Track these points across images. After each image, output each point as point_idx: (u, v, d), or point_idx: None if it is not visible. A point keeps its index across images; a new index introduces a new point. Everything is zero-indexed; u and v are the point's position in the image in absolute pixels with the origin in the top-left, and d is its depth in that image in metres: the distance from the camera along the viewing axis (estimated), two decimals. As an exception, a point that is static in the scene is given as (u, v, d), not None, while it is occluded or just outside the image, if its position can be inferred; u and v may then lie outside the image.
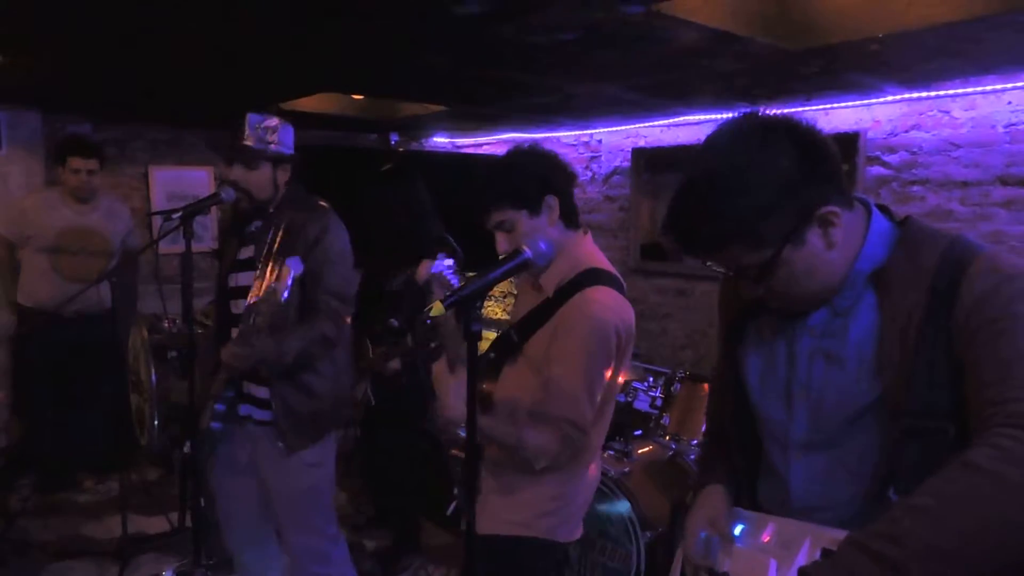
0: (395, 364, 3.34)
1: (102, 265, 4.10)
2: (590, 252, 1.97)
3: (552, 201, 1.91)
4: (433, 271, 1.90)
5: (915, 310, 1.12)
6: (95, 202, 4.15)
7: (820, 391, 1.23)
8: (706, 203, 1.13)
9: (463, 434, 1.70)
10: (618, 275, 1.96)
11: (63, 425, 4.17)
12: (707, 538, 1.33)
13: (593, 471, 2.07)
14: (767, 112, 1.18)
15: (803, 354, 1.25)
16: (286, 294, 2.17)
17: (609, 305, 1.85)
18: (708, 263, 1.22)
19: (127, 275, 4.27)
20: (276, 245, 2.40)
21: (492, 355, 2.06)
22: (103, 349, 3.94)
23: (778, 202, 1.11)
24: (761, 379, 1.34)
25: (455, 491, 2.25)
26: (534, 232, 1.87)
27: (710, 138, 1.19)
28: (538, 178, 1.91)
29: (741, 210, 1.11)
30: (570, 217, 1.96)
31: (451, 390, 1.81)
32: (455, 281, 1.88)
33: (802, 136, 1.14)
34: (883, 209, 1.25)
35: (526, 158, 1.95)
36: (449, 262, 1.91)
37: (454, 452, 2.35)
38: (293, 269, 2.18)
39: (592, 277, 1.89)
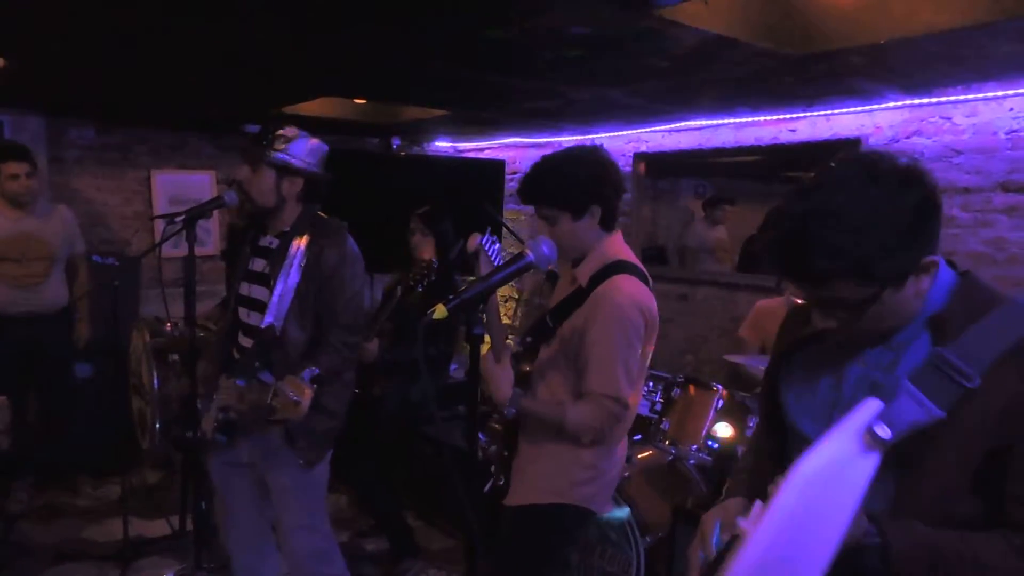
0: (373, 347, 3.32)
1: (46, 270, 4.12)
2: (619, 248, 2.16)
3: (596, 210, 2.09)
4: (480, 242, 2.11)
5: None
6: (32, 207, 4.08)
7: None
8: (829, 237, 1.12)
9: (510, 413, 2.08)
10: (643, 268, 2.16)
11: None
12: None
13: (621, 450, 2.26)
14: (893, 155, 1.18)
15: (850, 379, 1.28)
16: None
17: (632, 292, 2.05)
18: (804, 294, 1.24)
19: (72, 281, 4.28)
20: (291, 269, 2.41)
21: (529, 339, 2.24)
22: (54, 348, 4.15)
23: (898, 245, 1.12)
24: (797, 396, 1.36)
25: (492, 469, 2.39)
26: (573, 232, 2.08)
27: (835, 170, 1.18)
28: (587, 190, 2.07)
29: (864, 248, 1.11)
30: (609, 222, 2.14)
31: (498, 377, 2.06)
32: (494, 255, 2.11)
33: (927, 187, 1.15)
34: (947, 260, 1.28)
35: (581, 167, 2.07)
36: (494, 237, 2.13)
37: (495, 426, 2.55)
38: (311, 388, 2.17)
39: (619, 267, 2.09)
